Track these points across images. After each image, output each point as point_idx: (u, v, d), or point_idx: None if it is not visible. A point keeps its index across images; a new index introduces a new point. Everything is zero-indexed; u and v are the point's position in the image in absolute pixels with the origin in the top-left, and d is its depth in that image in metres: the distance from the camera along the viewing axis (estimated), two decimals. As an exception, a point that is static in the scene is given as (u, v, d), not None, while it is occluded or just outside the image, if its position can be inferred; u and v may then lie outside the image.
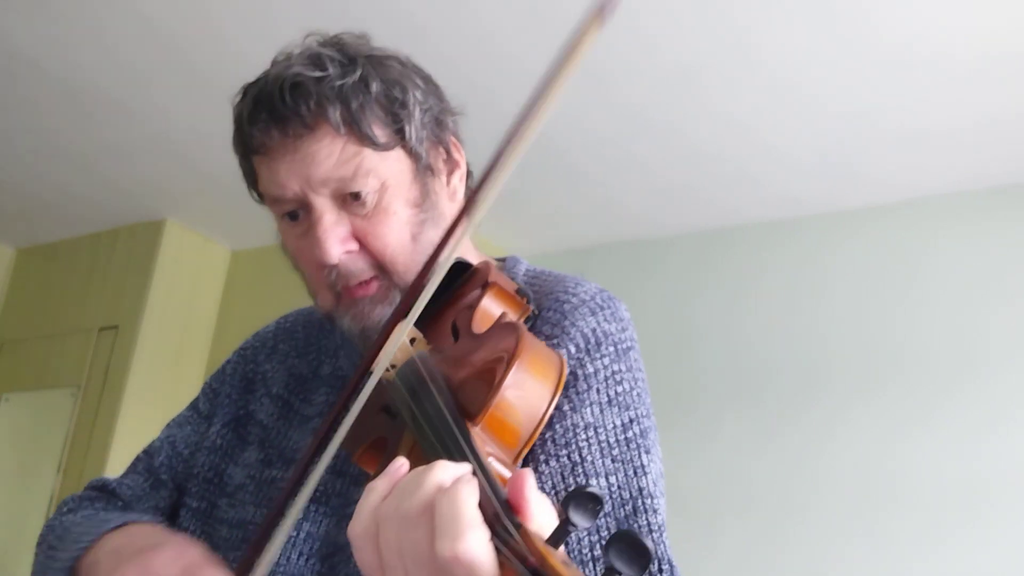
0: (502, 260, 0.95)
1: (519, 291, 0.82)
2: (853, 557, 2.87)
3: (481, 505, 0.52)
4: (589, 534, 0.73)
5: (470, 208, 0.70)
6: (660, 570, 0.73)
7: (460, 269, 0.86)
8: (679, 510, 2.34)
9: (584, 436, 0.77)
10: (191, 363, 4.01)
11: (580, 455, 0.76)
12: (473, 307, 0.78)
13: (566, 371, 0.70)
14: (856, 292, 3.15)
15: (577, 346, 0.81)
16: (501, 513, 0.51)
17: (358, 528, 0.57)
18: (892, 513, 2.85)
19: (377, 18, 2.45)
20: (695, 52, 2.54)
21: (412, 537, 0.53)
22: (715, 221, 3.47)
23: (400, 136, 0.84)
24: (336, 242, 0.81)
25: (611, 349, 0.82)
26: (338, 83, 0.81)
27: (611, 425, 0.78)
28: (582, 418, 0.78)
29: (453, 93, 0.93)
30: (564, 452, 0.77)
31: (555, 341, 0.81)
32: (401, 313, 0.72)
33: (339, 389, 0.93)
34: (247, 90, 0.85)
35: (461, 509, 0.51)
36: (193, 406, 1.03)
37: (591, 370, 0.80)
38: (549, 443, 0.77)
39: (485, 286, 0.80)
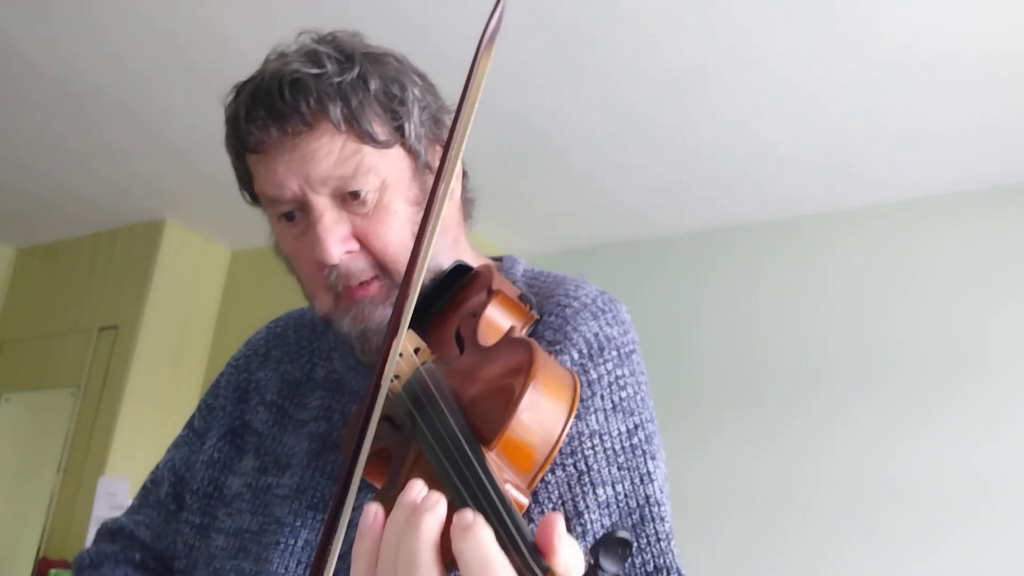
0: (499, 259, 0.95)
1: (522, 297, 0.81)
2: (853, 557, 2.87)
3: (507, 548, 0.51)
4: None
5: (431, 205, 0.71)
6: None
7: (460, 272, 0.85)
8: (679, 510, 2.33)
9: (590, 444, 0.76)
10: (191, 363, 4.01)
11: (586, 463, 0.76)
12: (478, 315, 0.76)
13: (579, 389, 0.68)
14: (856, 292, 3.15)
15: (580, 352, 0.80)
16: (528, 557, 0.51)
17: (360, 550, 0.57)
18: (892, 513, 2.85)
19: (377, 18, 2.45)
20: (695, 53, 2.53)
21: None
22: (715, 221, 3.47)
23: (399, 134, 0.83)
24: (337, 242, 0.80)
25: (614, 354, 0.81)
26: (337, 80, 0.80)
27: (616, 432, 0.78)
28: (587, 426, 0.77)
29: (452, 93, 0.93)
30: (570, 461, 0.76)
31: (557, 347, 0.80)
32: (399, 313, 0.71)
33: (334, 392, 0.92)
34: (241, 88, 0.84)
35: (490, 558, 0.50)
36: (189, 425, 1.02)
37: (594, 376, 0.79)
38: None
39: (489, 293, 0.79)
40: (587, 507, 0.74)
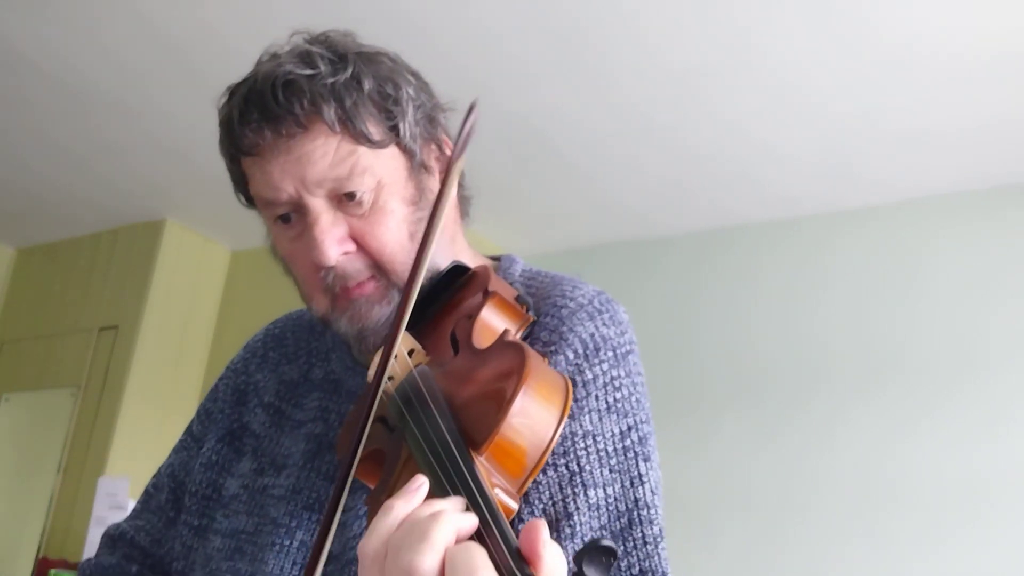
0: (497, 259, 0.94)
1: (519, 299, 0.81)
2: (853, 557, 2.87)
3: (492, 555, 0.52)
4: None
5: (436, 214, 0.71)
6: None
7: (457, 272, 0.84)
8: (679, 511, 2.34)
9: (583, 445, 0.76)
10: (191, 363, 4.01)
11: (579, 464, 0.75)
12: (473, 317, 0.76)
13: (571, 394, 0.68)
14: (856, 292, 3.15)
15: (575, 352, 0.79)
16: (513, 566, 0.51)
17: (369, 549, 0.57)
18: (892, 513, 2.85)
19: (377, 18, 2.45)
20: (695, 52, 2.53)
21: None
22: (715, 221, 3.47)
23: (394, 133, 0.83)
24: (333, 243, 0.80)
25: (610, 354, 0.80)
26: (330, 81, 0.79)
27: (609, 433, 0.77)
28: (581, 426, 0.77)
29: (452, 92, 0.93)
30: (562, 461, 0.75)
31: (553, 347, 0.80)
32: (401, 316, 0.71)
33: (332, 392, 0.92)
34: (234, 90, 0.83)
35: (477, 566, 0.51)
36: (188, 430, 1.02)
37: (590, 376, 0.79)
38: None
39: (486, 294, 0.78)
40: (577, 508, 0.74)
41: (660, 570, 0.74)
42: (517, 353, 0.67)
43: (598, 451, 0.76)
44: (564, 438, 0.76)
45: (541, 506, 0.74)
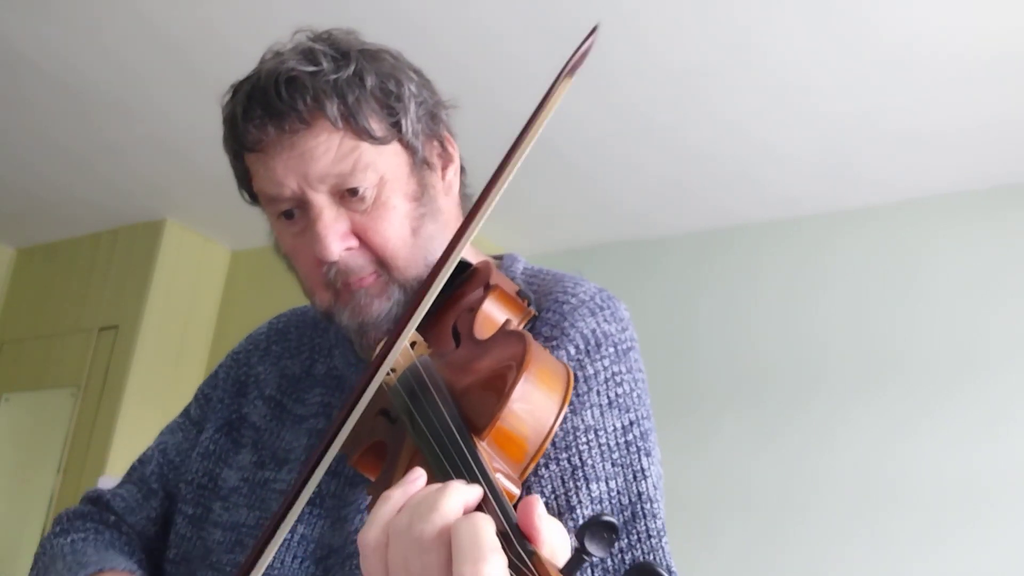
0: (499, 258, 0.95)
1: (520, 293, 0.81)
2: (853, 557, 2.87)
3: (496, 531, 0.52)
4: (602, 561, 0.73)
5: (474, 218, 0.70)
6: None
7: (459, 268, 0.85)
8: (679, 510, 2.35)
9: (584, 439, 0.76)
10: (191, 363, 4.01)
11: (580, 458, 0.76)
12: (475, 310, 0.77)
13: (572, 382, 0.69)
14: (856, 292, 3.15)
15: (577, 347, 0.80)
16: (514, 540, 0.51)
17: (369, 538, 0.57)
18: (892, 513, 2.85)
19: (377, 18, 2.45)
20: (695, 52, 2.54)
21: (424, 560, 0.53)
22: (714, 221, 3.47)
23: (396, 129, 0.83)
24: (336, 239, 0.80)
25: (611, 350, 0.81)
26: (333, 77, 0.80)
27: (611, 428, 0.78)
28: (582, 421, 0.77)
29: (453, 92, 0.93)
30: (564, 455, 0.76)
31: (554, 343, 0.80)
32: (407, 318, 0.71)
33: (334, 388, 0.93)
34: (238, 88, 0.84)
35: (482, 535, 0.51)
36: (185, 412, 1.03)
37: (591, 371, 0.79)
38: (549, 446, 0.76)
39: (487, 288, 0.79)
40: (580, 502, 0.74)
41: (665, 563, 0.74)
42: (519, 341, 0.68)
43: (600, 446, 0.77)
44: (566, 432, 0.77)
45: (543, 500, 0.75)
